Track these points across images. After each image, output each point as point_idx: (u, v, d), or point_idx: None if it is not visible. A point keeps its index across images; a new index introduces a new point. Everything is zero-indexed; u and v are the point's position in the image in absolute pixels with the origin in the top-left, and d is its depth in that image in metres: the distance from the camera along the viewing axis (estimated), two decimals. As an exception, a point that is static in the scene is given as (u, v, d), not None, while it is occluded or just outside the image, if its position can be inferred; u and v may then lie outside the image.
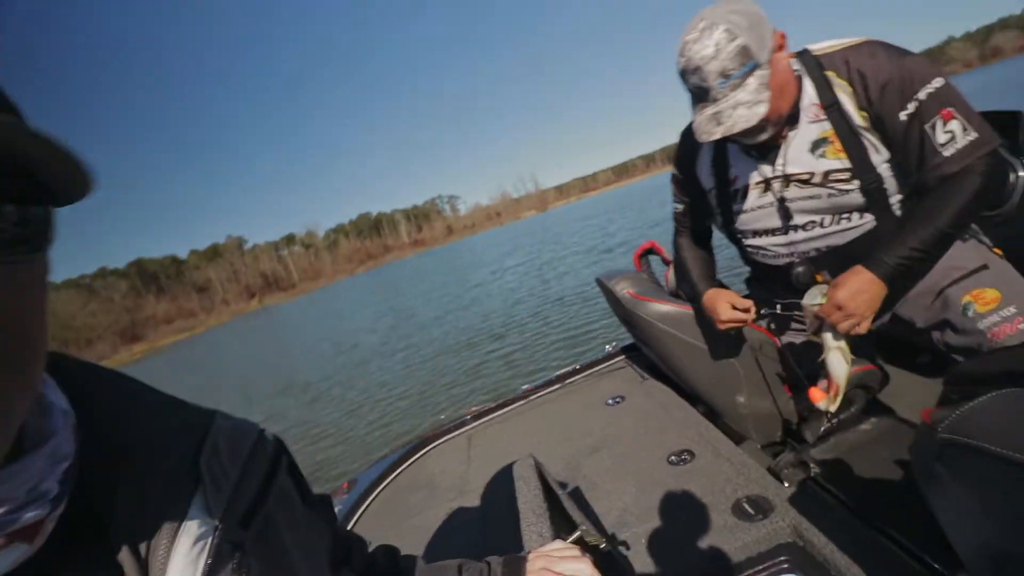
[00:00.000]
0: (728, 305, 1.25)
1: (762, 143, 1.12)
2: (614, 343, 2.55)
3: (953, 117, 0.95)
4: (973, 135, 0.94)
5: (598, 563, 0.62)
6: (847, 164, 1.07)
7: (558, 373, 2.50)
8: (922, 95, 0.96)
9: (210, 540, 0.36)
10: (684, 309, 1.59)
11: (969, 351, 1.09)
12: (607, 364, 2.40)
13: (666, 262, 1.93)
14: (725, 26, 0.95)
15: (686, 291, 1.50)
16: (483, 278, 17.78)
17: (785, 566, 1.01)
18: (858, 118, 1.04)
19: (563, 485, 1.56)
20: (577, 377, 2.41)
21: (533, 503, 0.99)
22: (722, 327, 1.28)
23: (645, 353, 2.08)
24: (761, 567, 1.02)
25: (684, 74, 1.02)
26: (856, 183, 1.07)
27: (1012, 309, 1.04)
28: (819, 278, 1.19)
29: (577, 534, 1.06)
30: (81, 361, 0.40)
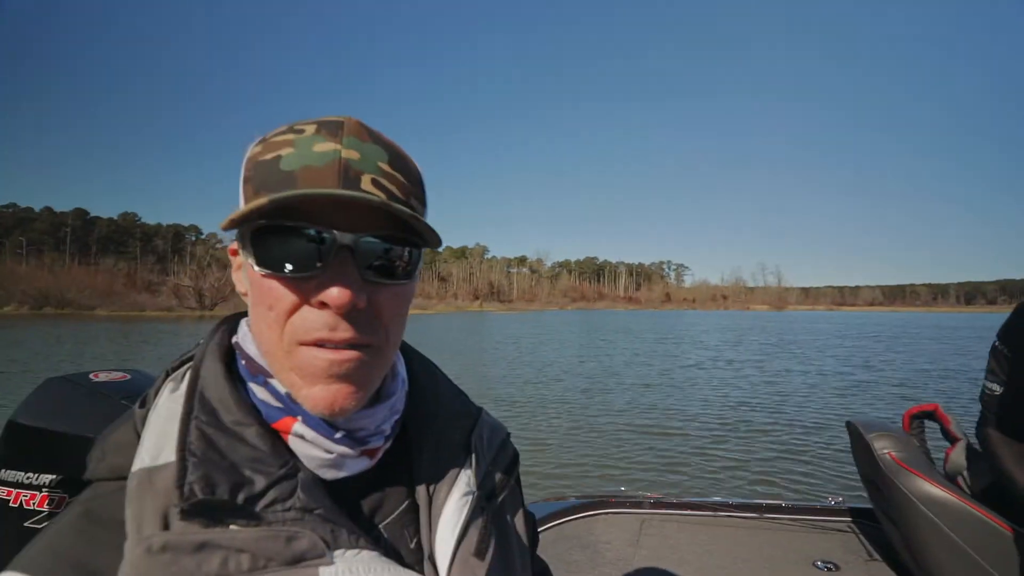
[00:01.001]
0: None
1: None
2: (840, 498, 2.19)
3: None
4: None
5: None
6: None
7: (760, 501, 2.25)
8: None
9: (471, 498, 0.49)
10: (963, 502, 1.32)
11: None
12: (826, 518, 2.07)
13: (950, 437, 1.59)
14: None
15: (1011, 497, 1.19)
16: (699, 360, 16.73)
17: None
18: None
19: None
20: (783, 516, 2.14)
21: None
22: None
23: (884, 527, 1.74)
24: None
25: None
26: None
27: None
28: None
29: None
30: (415, 349, 0.59)
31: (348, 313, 0.40)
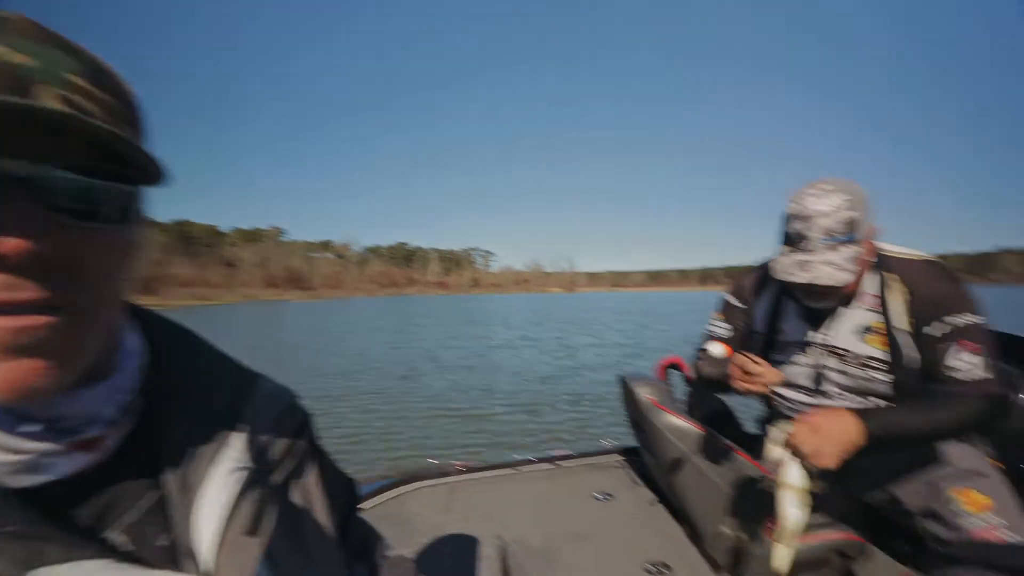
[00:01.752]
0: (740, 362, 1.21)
1: (817, 310, 1.24)
2: (615, 441, 2.60)
3: (976, 353, 1.06)
4: (985, 375, 1.06)
5: None
6: (886, 356, 1.17)
7: (552, 453, 2.54)
8: (958, 322, 1.08)
9: (241, 473, 0.42)
10: (695, 428, 1.68)
11: (946, 542, 1.12)
12: (603, 458, 2.44)
13: (688, 380, 2.02)
14: (847, 196, 1.08)
15: (707, 377, 1.46)
16: (507, 339, 17.89)
17: None
18: (905, 323, 1.15)
19: (531, 556, 1.60)
20: (570, 462, 2.45)
21: None
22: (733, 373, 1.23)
23: (645, 460, 2.13)
24: None
25: (791, 218, 1.12)
26: (890, 376, 1.17)
27: (998, 519, 1.08)
28: None
29: None
30: (162, 315, 0.49)
31: (30, 266, 0.30)
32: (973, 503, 1.12)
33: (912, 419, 1.06)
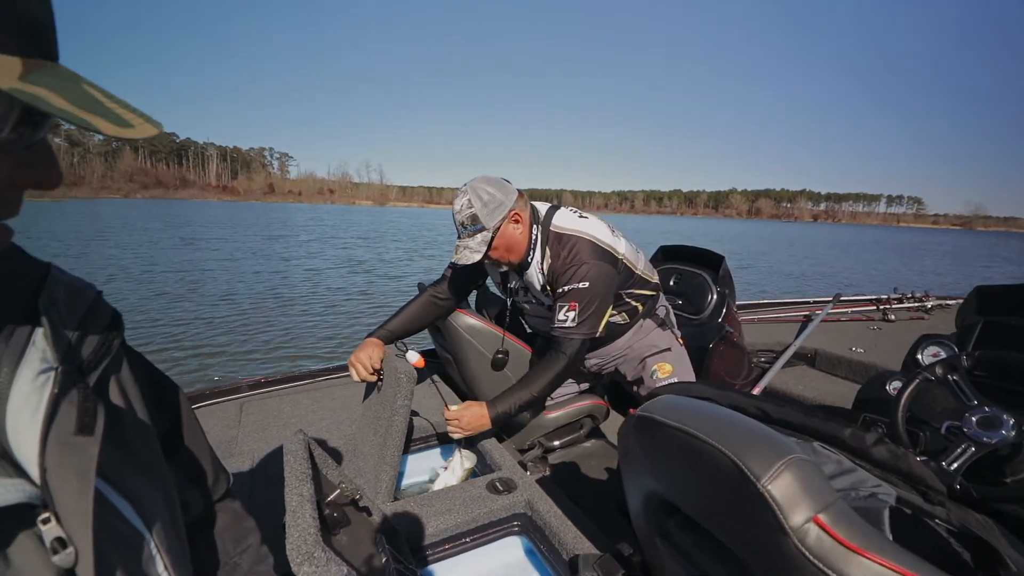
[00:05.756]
0: (365, 358, 1.59)
1: (516, 269, 1.59)
2: (414, 347, 2.72)
3: (574, 310, 1.46)
4: (575, 324, 1.45)
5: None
6: (548, 301, 1.58)
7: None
8: (570, 287, 1.46)
9: (54, 374, 0.38)
10: (487, 326, 1.86)
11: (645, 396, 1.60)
12: None
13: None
14: (470, 197, 1.40)
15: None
16: (322, 255, 16.57)
17: (516, 528, 1.35)
18: (546, 283, 1.55)
19: (336, 456, 1.66)
20: (373, 367, 2.50)
21: (297, 469, 1.08)
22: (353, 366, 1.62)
23: (441, 358, 2.29)
24: (500, 528, 1.33)
25: (453, 212, 1.44)
26: (550, 313, 1.56)
27: (675, 379, 1.63)
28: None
29: (337, 492, 1.18)
30: None
31: None
32: (663, 371, 1.61)
33: (519, 396, 1.48)
